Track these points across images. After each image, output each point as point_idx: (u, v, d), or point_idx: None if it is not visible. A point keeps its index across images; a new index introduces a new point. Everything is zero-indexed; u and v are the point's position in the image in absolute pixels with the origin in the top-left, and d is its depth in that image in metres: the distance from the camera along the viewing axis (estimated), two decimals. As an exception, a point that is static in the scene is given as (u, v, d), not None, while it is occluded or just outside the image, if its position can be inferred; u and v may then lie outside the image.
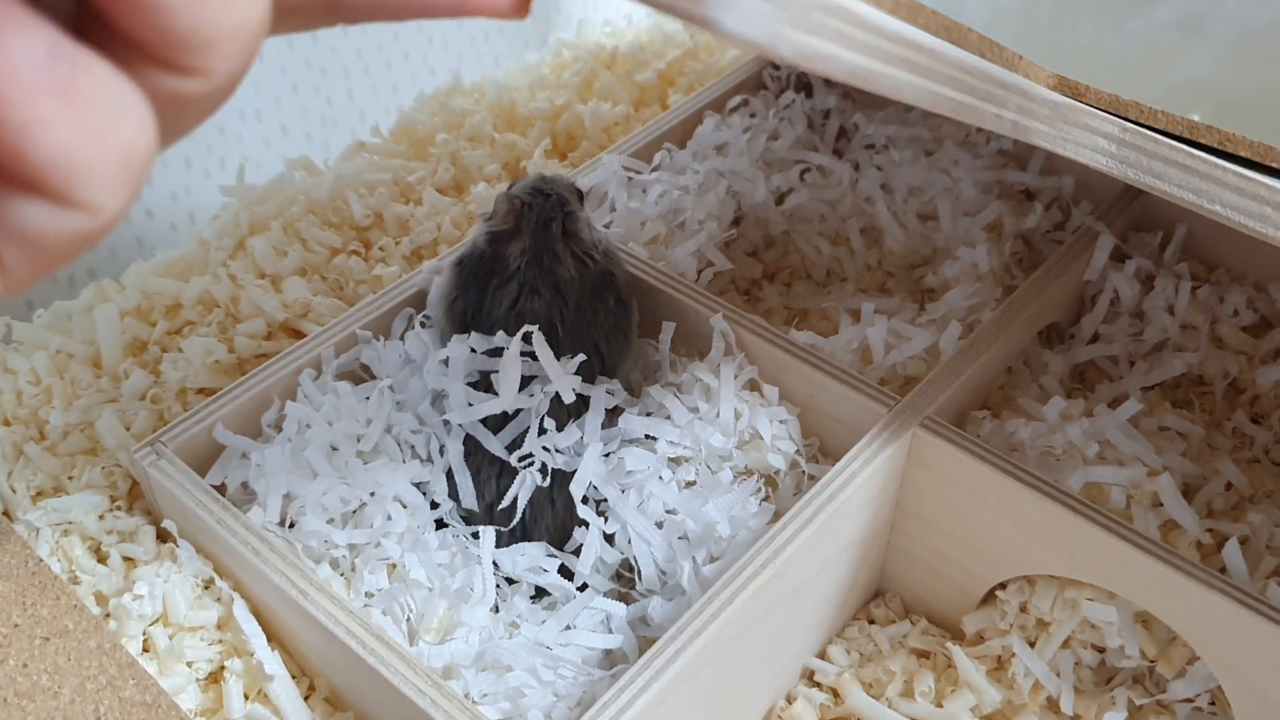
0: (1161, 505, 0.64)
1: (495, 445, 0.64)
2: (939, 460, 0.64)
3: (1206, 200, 0.50)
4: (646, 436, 0.66)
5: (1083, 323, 0.77)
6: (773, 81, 0.91)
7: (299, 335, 0.74)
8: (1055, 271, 0.73)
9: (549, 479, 0.64)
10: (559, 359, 0.64)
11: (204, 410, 0.65)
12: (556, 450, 0.64)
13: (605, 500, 0.63)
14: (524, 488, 0.63)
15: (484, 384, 0.65)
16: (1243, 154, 0.51)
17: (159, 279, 0.74)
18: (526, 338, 0.63)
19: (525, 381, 0.64)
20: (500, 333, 0.65)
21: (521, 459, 0.64)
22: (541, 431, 0.64)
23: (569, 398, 0.63)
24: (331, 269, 0.77)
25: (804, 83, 0.91)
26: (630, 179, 0.81)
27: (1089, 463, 0.64)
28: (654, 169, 0.83)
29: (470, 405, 0.64)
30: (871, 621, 0.71)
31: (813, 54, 0.35)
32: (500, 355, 0.64)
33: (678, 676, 0.54)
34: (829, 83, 0.91)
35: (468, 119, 0.88)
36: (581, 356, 0.64)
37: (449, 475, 0.65)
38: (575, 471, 0.63)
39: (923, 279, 0.81)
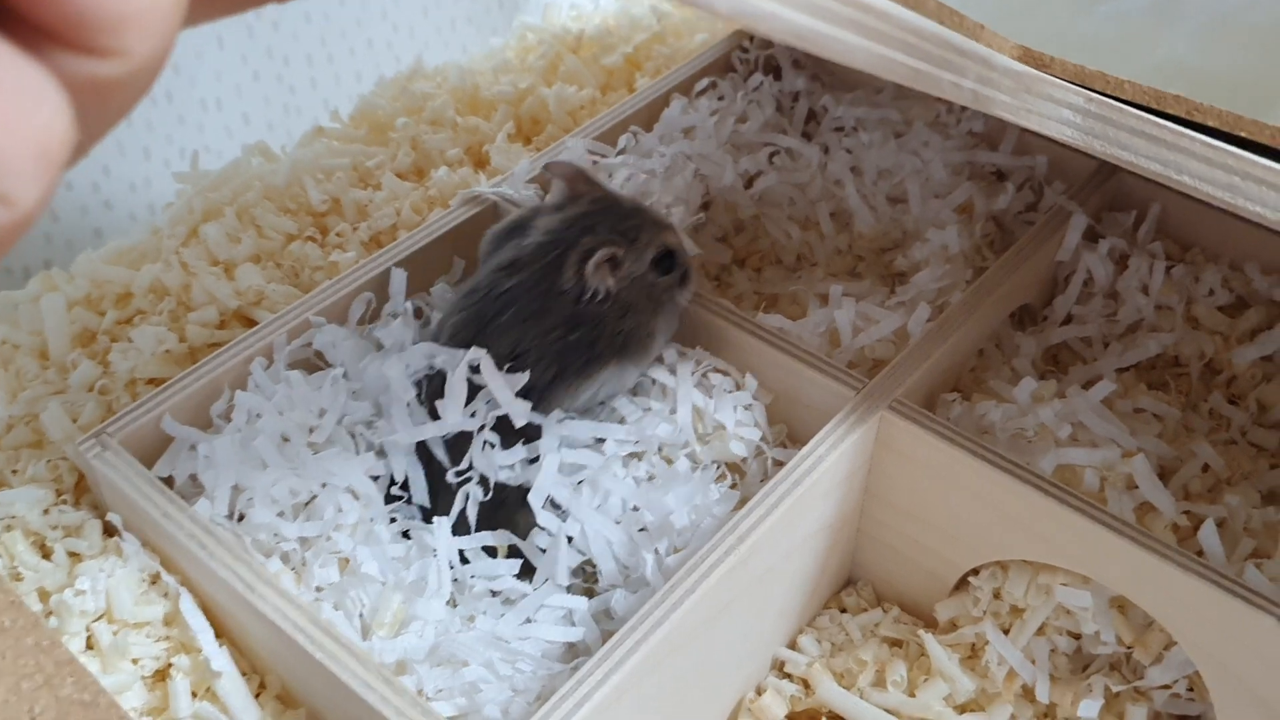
0: (1136, 488, 0.62)
1: (441, 453, 0.62)
2: (908, 444, 0.63)
3: (1175, 171, 0.49)
4: (596, 440, 0.64)
5: (1055, 304, 0.75)
6: (741, 64, 0.89)
7: (252, 323, 0.72)
8: (1027, 252, 0.72)
9: (491, 493, 0.62)
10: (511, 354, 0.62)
11: (152, 401, 0.63)
12: (502, 466, 0.62)
13: (561, 509, 0.62)
14: (470, 502, 0.62)
15: (440, 382, 0.63)
16: (1211, 124, 0.50)
17: (109, 267, 0.72)
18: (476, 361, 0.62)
19: (474, 392, 0.62)
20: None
21: (460, 474, 0.62)
22: (490, 446, 0.62)
23: (518, 423, 0.61)
24: (287, 255, 0.75)
25: (772, 65, 0.89)
26: (595, 163, 0.79)
27: (1061, 445, 0.63)
28: (619, 152, 0.81)
29: (414, 426, 0.62)
30: (843, 610, 0.70)
31: (751, 11, 0.33)
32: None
33: (639, 667, 0.53)
34: (798, 64, 0.89)
35: (429, 103, 0.86)
36: (525, 377, 0.62)
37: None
38: (523, 485, 0.61)
39: (893, 262, 0.79)
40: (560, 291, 0.63)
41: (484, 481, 0.62)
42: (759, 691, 0.65)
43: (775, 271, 0.83)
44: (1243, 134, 0.49)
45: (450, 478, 0.62)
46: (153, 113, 0.97)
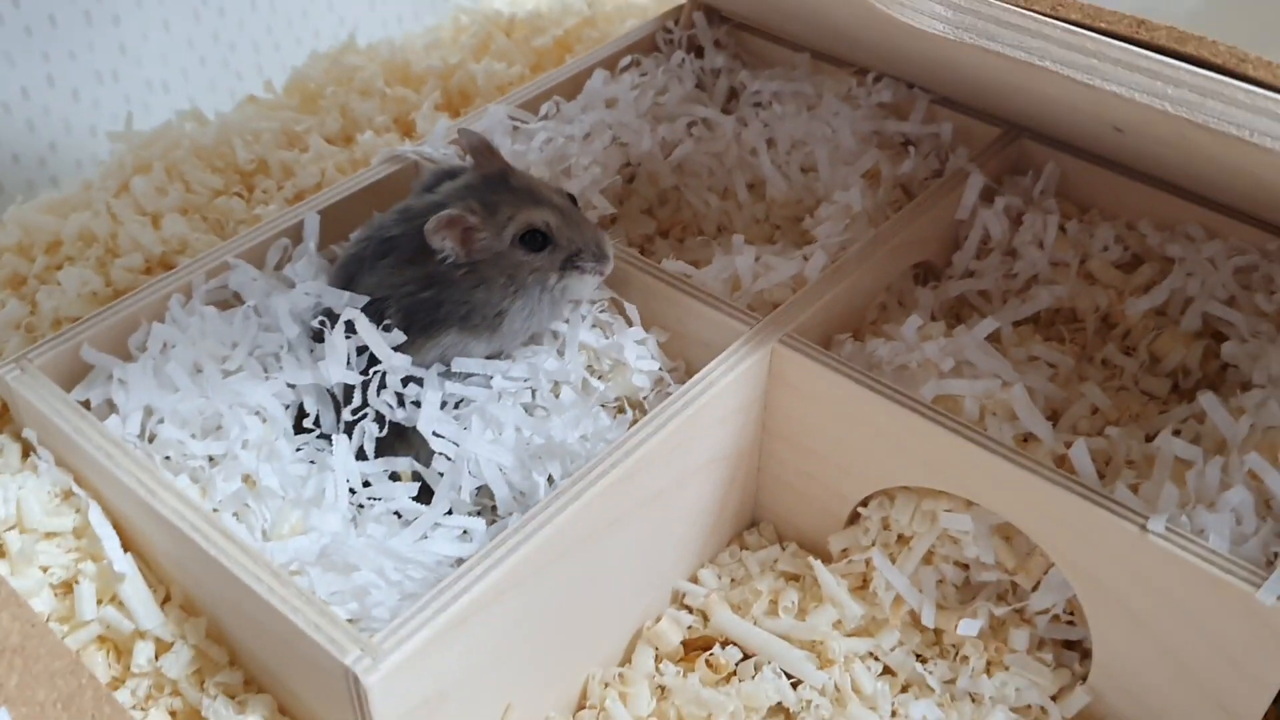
0: (1018, 419, 0.65)
1: (338, 392, 0.64)
2: (799, 377, 0.65)
3: (1038, 57, 0.52)
4: (485, 378, 0.66)
5: (954, 260, 0.78)
6: (665, 45, 0.93)
7: (177, 271, 0.75)
8: (925, 205, 0.75)
9: (385, 429, 0.64)
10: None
11: (72, 331, 0.65)
12: (392, 406, 0.64)
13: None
14: (366, 437, 0.64)
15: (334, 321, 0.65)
16: (1074, 17, 0.53)
17: (40, 215, 0.75)
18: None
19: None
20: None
21: (355, 411, 0.64)
22: (382, 388, 0.64)
23: (396, 379, 0.63)
24: (212, 209, 0.77)
25: (695, 45, 0.93)
26: (516, 128, 0.82)
27: (944, 376, 0.65)
28: (541, 118, 0.84)
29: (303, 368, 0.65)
30: (744, 548, 0.72)
31: None
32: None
33: (520, 566, 0.55)
34: (719, 44, 0.93)
35: (359, 74, 0.89)
36: (400, 335, 0.64)
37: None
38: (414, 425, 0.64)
39: (804, 227, 0.82)
40: (430, 251, 0.65)
41: (379, 418, 0.64)
42: (658, 621, 0.67)
43: (697, 242, 0.85)
44: (1102, 25, 0.52)
45: (346, 415, 0.64)
46: (99, 91, 1.00)
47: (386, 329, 0.64)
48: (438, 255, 0.65)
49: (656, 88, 0.88)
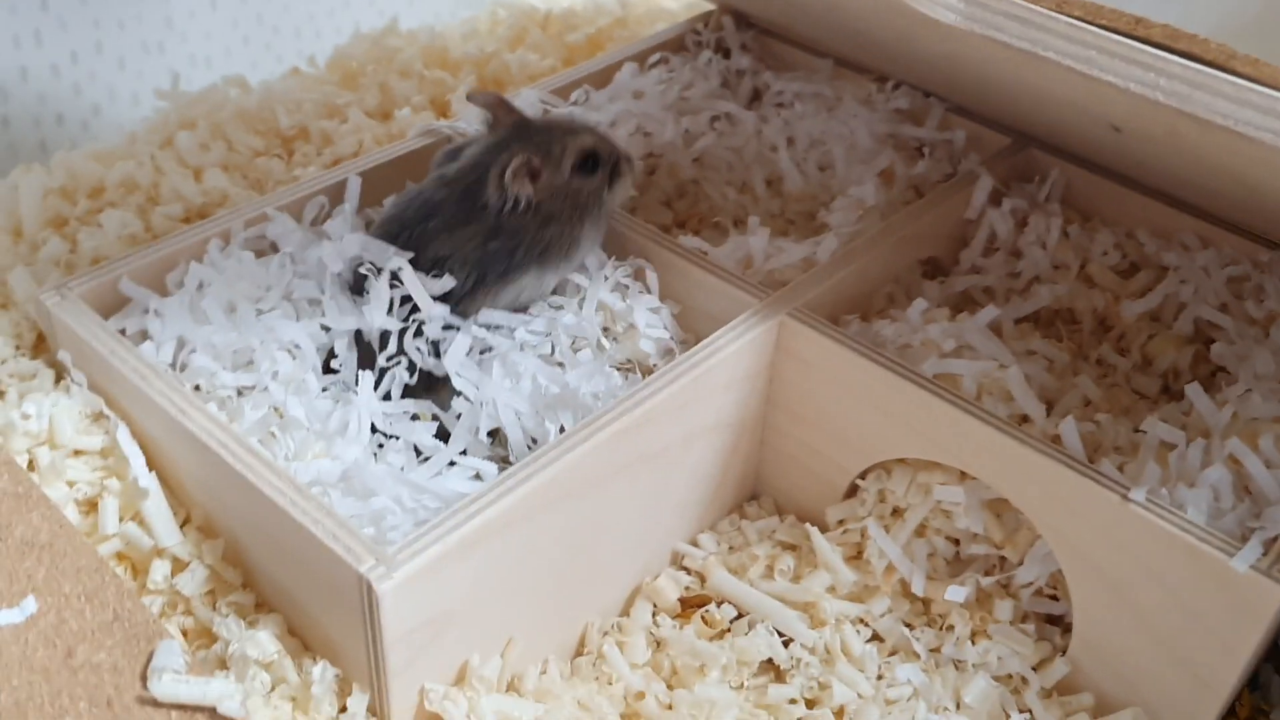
0: (1013, 401, 0.67)
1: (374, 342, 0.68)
2: (804, 348, 0.68)
3: (1040, 48, 0.56)
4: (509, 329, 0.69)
5: (961, 257, 0.81)
6: (694, 45, 0.96)
7: (215, 223, 0.78)
8: (934, 201, 0.78)
9: (416, 376, 0.67)
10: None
11: (113, 264, 0.68)
12: (423, 352, 0.67)
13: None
14: (396, 382, 0.67)
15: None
16: (1076, 14, 0.56)
17: (85, 162, 0.78)
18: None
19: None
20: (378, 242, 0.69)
21: (390, 358, 0.67)
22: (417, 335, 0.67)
23: (435, 330, 0.67)
24: (253, 168, 0.81)
25: (722, 47, 0.96)
26: (546, 111, 0.85)
27: (945, 356, 0.68)
28: (570, 104, 0.87)
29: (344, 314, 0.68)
30: (744, 518, 0.74)
31: None
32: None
33: (529, 499, 0.57)
34: (745, 48, 0.96)
35: (398, 55, 0.93)
36: (449, 281, 0.68)
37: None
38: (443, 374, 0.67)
39: (820, 222, 0.85)
40: (482, 206, 0.69)
41: (411, 366, 0.67)
42: (656, 578, 0.69)
43: (713, 233, 0.88)
44: (1102, 21, 0.55)
45: (381, 360, 0.67)
46: (144, 61, 1.03)
47: (455, 290, 0.68)
48: (499, 206, 0.68)
49: (683, 83, 0.91)
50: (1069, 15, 0.55)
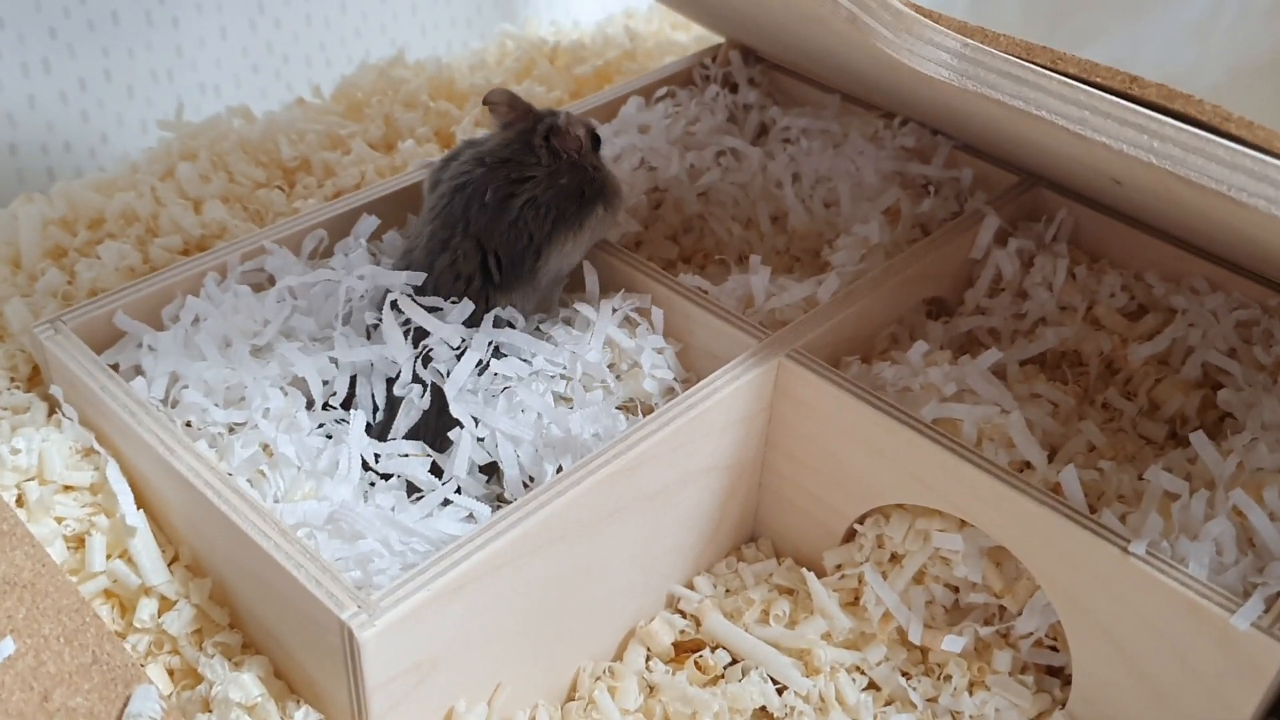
0: (1014, 447, 0.66)
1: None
2: (803, 391, 0.67)
3: (1034, 107, 0.54)
4: (523, 359, 0.68)
5: (966, 297, 0.80)
6: (701, 80, 0.96)
7: (214, 255, 0.78)
8: (940, 241, 0.77)
9: (427, 393, 0.66)
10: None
11: (108, 298, 0.68)
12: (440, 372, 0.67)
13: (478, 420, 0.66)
14: (407, 409, 0.66)
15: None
16: (1071, 71, 0.55)
17: (85, 192, 0.78)
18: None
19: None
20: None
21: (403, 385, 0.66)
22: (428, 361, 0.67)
23: (454, 343, 0.66)
24: (253, 199, 0.80)
25: (730, 82, 0.96)
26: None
27: (945, 400, 0.67)
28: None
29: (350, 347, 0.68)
30: (740, 560, 0.73)
31: None
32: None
33: (518, 543, 0.56)
34: (753, 82, 0.96)
35: (404, 86, 0.92)
36: (469, 305, 0.68)
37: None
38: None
39: (823, 258, 0.84)
40: (535, 160, 0.71)
41: (432, 389, 0.66)
42: (650, 621, 0.68)
43: (718, 269, 0.88)
44: (1097, 80, 0.54)
45: (397, 389, 0.66)
46: (153, 89, 1.04)
47: (534, 238, 0.70)
48: (548, 157, 0.71)
49: (689, 117, 0.91)
50: (1063, 73, 0.54)
